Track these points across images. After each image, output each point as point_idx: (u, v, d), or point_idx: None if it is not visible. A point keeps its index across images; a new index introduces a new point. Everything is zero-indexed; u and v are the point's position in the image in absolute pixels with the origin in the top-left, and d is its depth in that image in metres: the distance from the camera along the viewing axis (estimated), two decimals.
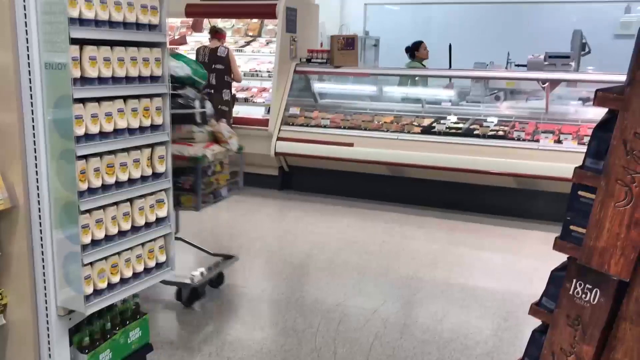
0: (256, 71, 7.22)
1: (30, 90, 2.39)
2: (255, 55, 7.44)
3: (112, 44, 2.54)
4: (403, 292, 4.08)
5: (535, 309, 2.17)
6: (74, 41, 2.35)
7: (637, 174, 1.81)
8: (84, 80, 2.43)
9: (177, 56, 3.78)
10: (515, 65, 7.98)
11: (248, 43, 7.58)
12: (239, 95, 7.11)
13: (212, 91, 6.36)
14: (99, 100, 2.50)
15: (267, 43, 7.43)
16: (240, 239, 5.07)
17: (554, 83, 6.01)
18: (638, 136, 1.79)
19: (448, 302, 3.94)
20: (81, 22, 2.39)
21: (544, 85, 5.99)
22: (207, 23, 7.76)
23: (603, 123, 1.98)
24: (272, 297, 4.00)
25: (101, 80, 2.50)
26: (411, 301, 3.97)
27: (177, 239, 4.09)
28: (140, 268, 2.82)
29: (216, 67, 6.32)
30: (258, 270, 4.51)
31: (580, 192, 1.98)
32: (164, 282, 3.44)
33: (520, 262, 4.73)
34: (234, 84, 6.72)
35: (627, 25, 9.59)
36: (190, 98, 3.61)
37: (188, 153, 3.47)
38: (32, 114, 2.41)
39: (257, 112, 7.10)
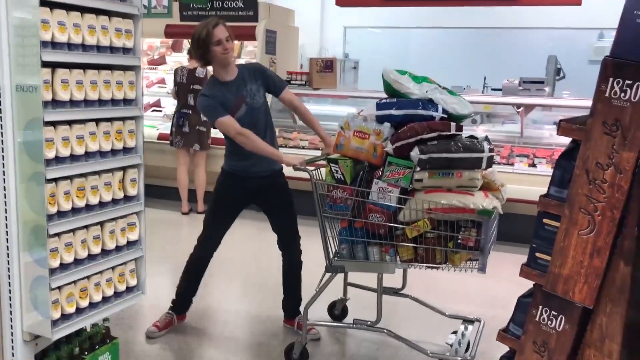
0: None
1: (0, 113, 2.38)
2: None
3: (85, 67, 2.55)
4: (383, 313, 4.06)
5: (503, 335, 2.19)
6: (45, 64, 2.35)
7: (600, 203, 1.85)
8: (55, 103, 2.43)
9: (450, 91, 3.25)
10: (492, 90, 8.11)
11: None
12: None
13: (190, 112, 6.36)
14: (70, 123, 2.50)
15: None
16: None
17: (529, 107, 6.12)
18: (600, 166, 1.84)
19: (422, 325, 3.94)
20: (54, 45, 2.39)
21: (518, 110, 6.09)
22: (186, 43, 7.78)
23: (567, 152, 2.03)
24: None
25: (73, 103, 2.50)
26: (391, 322, 3.96)
27: (404, 295, 3.79)
28: (110, 292, 2.79)
29: (194, 87, 6.32)
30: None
31: (545, 220, 2.02)
32: (433, 354, 3.13)
33: (495, 285, 4.75)
34: None
35: (601, 51, 9.79)
36: (476, 139, 3.05)
37: (474, 205, 2.87)
38: (2, 136, 2.39)
39: None
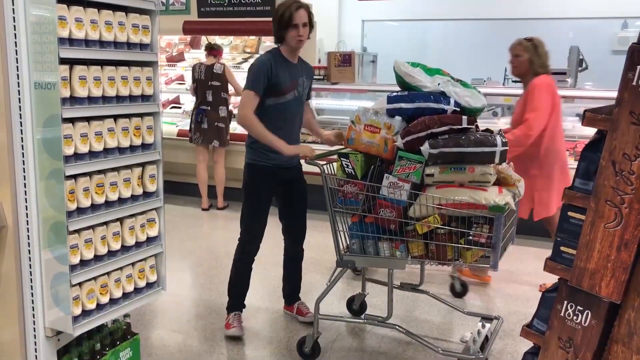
0: None
1: (20, 110, 2.39)
2: None
3: (102, 63, 2.55)
4: (401, 309, 4.04)
5: (527, 330, 2.15)
6: (63, 61, 2.35)
7: (627, 195, 1.80)
8: (73, 100, 2.43)
9: (464, 84, 3.16)
10: (513, 82, 7.99)
11: (246, 60, 7.60)
12: (236, 111, 7.12)
13: (209, 108, 6.37)
14: (88, 119, 2.50)
15: None
16: None
17: None
18: (627, 157, 1.78)
19: (441, 322, 3.90)
20: (71, 42, 2.39)
21: None
22: (204, 40, 7.79)
23: (592, 143, 1.98)
24: None
25: (91, 99, 2.50)
26: (408, 318, 3.93)
27: (422, 291, 3.79)
28: (130, 288, 2.79)
29: (212, 84, 6.32)
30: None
31: (570, 213, 1.97)
32: (445, 352, 3.12)
33: (518, 279, 4.70)
34: (232, 99, 6.73)
35: (625, 41, 9.60)
36: (489, 133, 2.98)
37: (486, 200, 2.79)
38: (22, 133, 2.40)
39: None
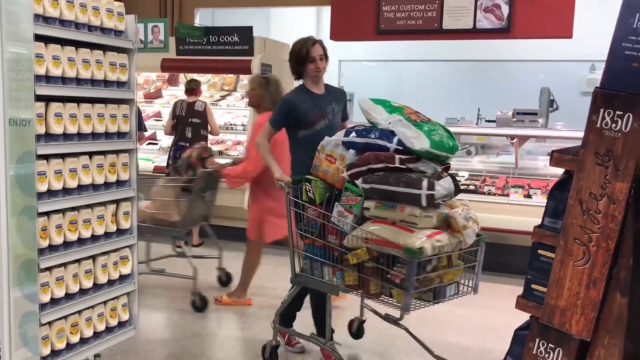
0: (231, 124, 7.28)
1: None
2: (231, 109, 7.51)
3: (79, 100, 2.55)
4: (376, 348, 4.02)
5: None
6: (39, 98, 2.35)
7: (594, 233, 1.84)
8: (48, 137, 2.43)
9: (418, 125, 3.08)
10: (486, 121, 8.17)
11: (223, 97, 7.65)
12: (214, 148, 7.14)
13: (187, 144, 6.37)
14: (63, 156, 2.49)
15: (243, 97, 7.51)
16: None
17: (523, 139, 6.15)
18: (593, 196, 1.83)
19: (421, 358, 3.88)
20: (48, 79, 2.40)
21: (512, 141, 6.12)
22: (182, 77, 7.84)
23: (560, 183, 2.03)
24: None
25: (66, 136, 2.50)
26: (385, 357, 3.91)
27: (401, 326, 3.74)
28: (101, 327, 2.75)
29: (193, 120, 6.36)
30: None
31: (540, 251, 2.01)
32: None
33: (492, 317, 4.71)
34: (210, 136, 6.75)
35: (593, 83, 9.83)
36: (421, 175, 2.94)
37: (404, 242, 2.79)
38: None
39: None
